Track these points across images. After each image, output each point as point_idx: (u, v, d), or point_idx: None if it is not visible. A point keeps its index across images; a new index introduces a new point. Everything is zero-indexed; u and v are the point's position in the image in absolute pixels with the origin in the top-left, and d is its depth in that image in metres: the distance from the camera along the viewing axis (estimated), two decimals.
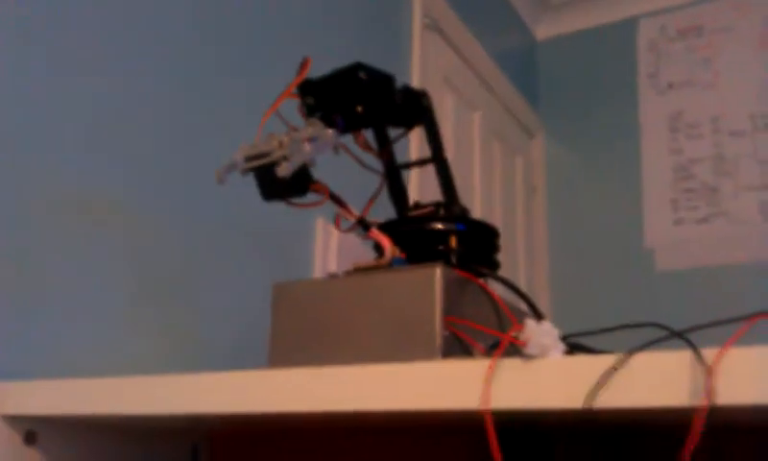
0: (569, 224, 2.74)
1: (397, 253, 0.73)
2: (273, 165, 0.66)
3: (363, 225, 0.73)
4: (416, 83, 1.86)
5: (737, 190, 2.47)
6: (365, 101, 0.71)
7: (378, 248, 0.76)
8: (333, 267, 1.42)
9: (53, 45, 0.98)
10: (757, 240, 2.40)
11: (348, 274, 0.73)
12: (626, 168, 2.66)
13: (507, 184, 2.55)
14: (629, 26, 2.77)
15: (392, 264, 0.72)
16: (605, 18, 2.84)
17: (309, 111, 0.73)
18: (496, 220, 2.36)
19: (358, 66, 0.70)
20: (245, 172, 0.69)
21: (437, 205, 0.79)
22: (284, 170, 0.64)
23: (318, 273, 1.40)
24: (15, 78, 0.91)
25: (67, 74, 0.99)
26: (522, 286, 1.66)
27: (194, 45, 1.21)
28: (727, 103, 2.54)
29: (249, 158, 0.67)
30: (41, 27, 0.96)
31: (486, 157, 2.40)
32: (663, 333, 0.53)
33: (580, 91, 2.83)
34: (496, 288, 0.75)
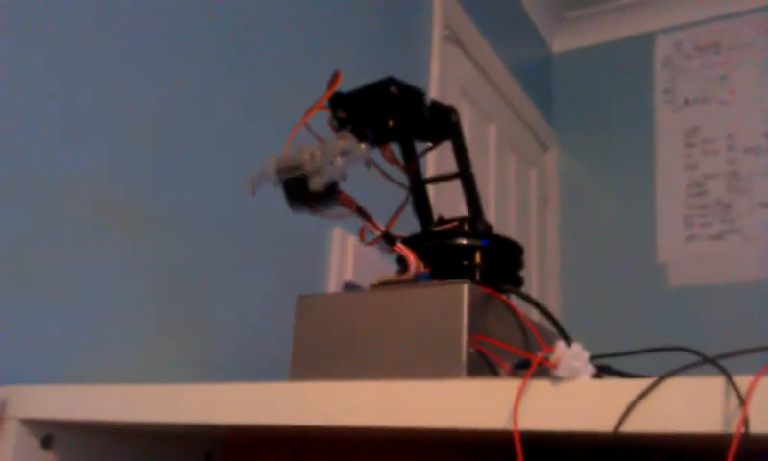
0: (582, 237, 2.73)
1: (422, 267, 0.73)
2: (304, 178, 0.66)
3: (388, 239, 0.73)
4: (434, 93, 1.87)
5: (752, 207, 2.46)
6: (396, 115, 0.71)
7: (402, 261, 0.75)
8: (349, 276, 1.41)
9: (58, 43, 0.98)
10: None
11: (373, 287, 0.72)
12: (640, 182, 2.65)
13: (521, 196, 2.55)
14: (645, 41, 2.77)
15: (417, 279, 0.71)
16: (621, 33, 2.83)
17: (340, 125, 0.73)
18: (510, 231, 2.36)
19: (390, 81, 0.70)
20: (276, 184, 0.68)
21: (461, 220, 0.78)
22: (317, 184, 0.64)
23: (333, 282, 1.40)
24: (16, 76, 0.90)
25: (71, 72, 0.98)
26: (534, 297, 1.64)
27: (218, 54, 1.21)
28: (743, 120, 2.53)
29: (280, 170, 0.67)
30: (46, 25, 0.96)
31: (501, 168, 2.40)
32: (695, 358, 0.53)
33: (595, 105, 2.83)
34: (517, 304, 0.74)
